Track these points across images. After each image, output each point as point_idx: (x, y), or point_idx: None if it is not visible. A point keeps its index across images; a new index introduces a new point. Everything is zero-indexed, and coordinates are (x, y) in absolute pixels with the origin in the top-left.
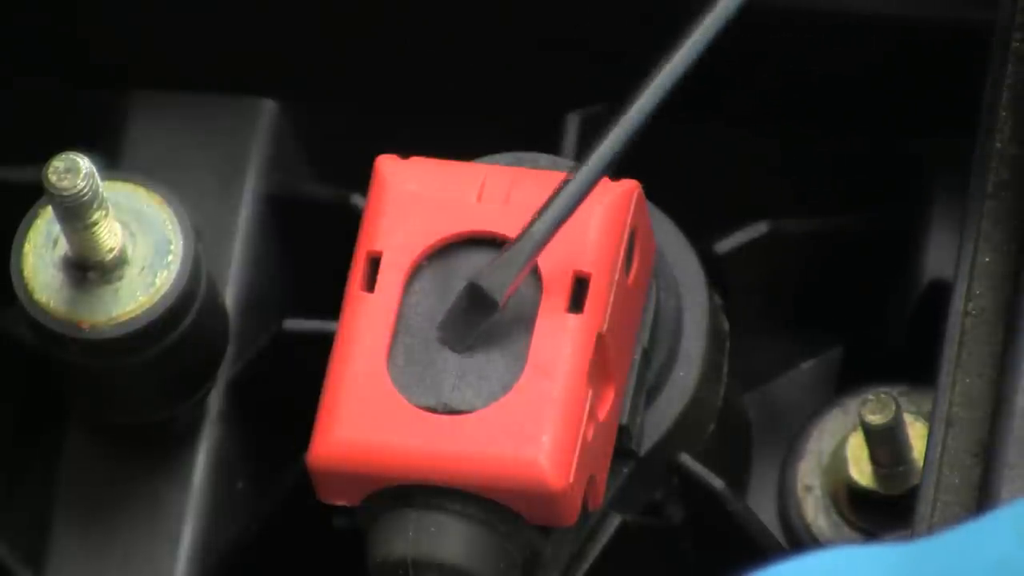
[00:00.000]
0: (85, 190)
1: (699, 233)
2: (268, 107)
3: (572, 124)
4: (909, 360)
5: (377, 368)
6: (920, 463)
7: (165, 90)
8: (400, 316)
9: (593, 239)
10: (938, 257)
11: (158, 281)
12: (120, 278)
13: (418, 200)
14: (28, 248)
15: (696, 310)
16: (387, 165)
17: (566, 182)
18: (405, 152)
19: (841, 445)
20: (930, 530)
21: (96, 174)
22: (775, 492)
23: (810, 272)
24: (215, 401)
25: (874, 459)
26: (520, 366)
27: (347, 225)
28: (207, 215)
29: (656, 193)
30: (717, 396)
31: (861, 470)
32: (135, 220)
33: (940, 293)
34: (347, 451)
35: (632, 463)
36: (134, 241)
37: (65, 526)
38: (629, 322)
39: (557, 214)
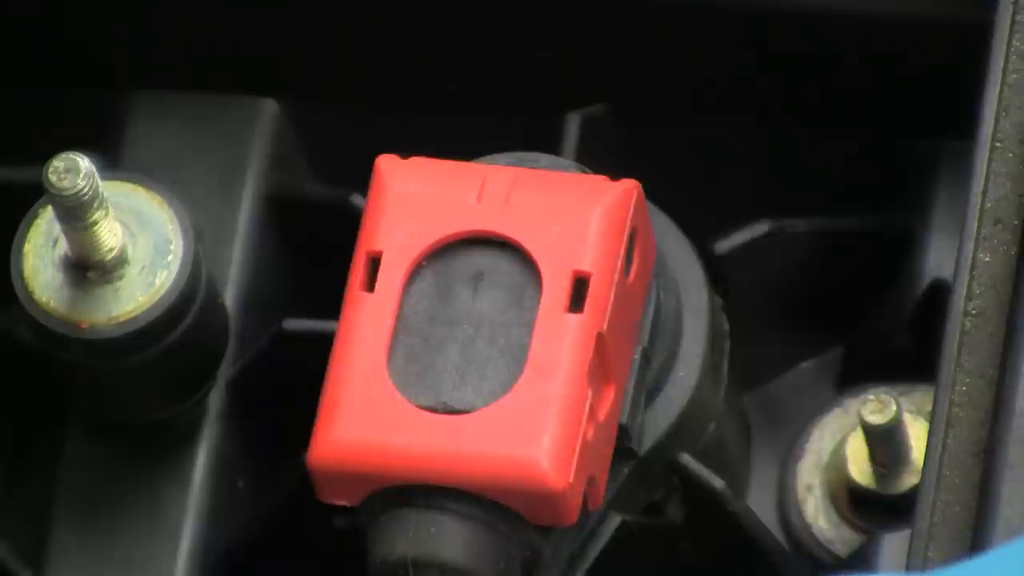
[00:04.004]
0: (85, 190)
1: (699, 233)
2: (268, 107)
3: (572, 124)
4: (909, 360)
5: (377, 368)
6: (920, 463)
7: (165, 90)
8: (400, 316)
9: (593, 239)
10: (938, 257)
11: (158, 281)
12: (120, 278)
13: (418, 200)
14: (28, 248)
15: (696, 310)
16: (387, 165)
17: None
18: (405, 152)
19: (841, 445)
20: (930, 530)
21: (96, 174)
22: (775, 492)
23: (810, 272)
24: (215, 401)
25: (874, 459)
26: (520, 366)
27: (347, 225)
28: (207, 215)
29: (656, 193)
30: (717, 396)
31: (861, 470)
32: (135, 220)
33: (940, 293)
34: (347, 451)
35: (632, 463)
36: (134, 241)
37: (65, 526)
38: (629, 322)
39: None
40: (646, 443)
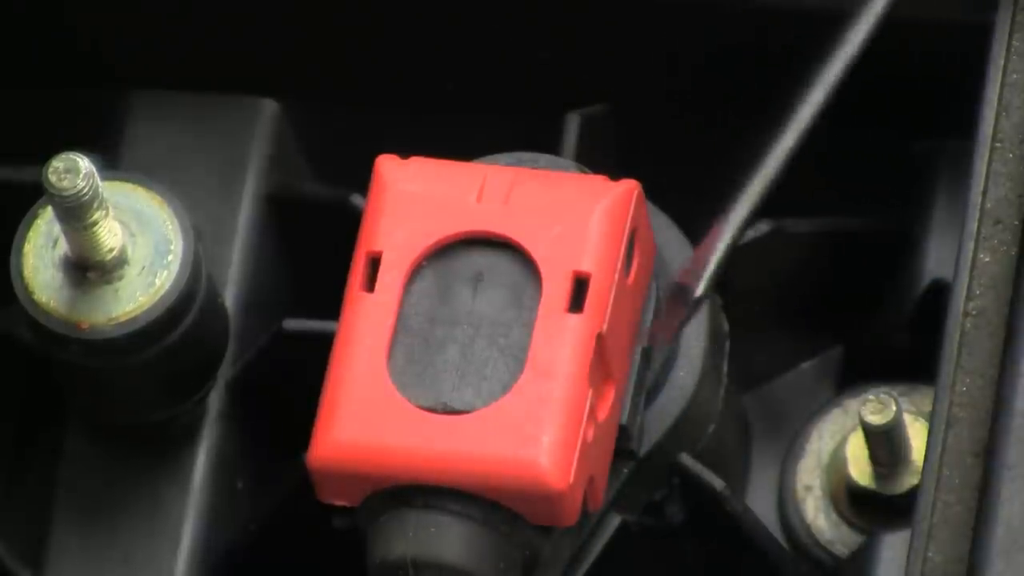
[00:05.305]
0: (85, 190)
1: (699, 233)
2: (268, 107)
3: (572, 124)
4: (909, 360)
5: (377, 368)
6: (920, 463)
7: (165, 90)
8: (400, 316)
9: (593, 239)
10: (938, 257)
11: (158, 281)
12: (120, 278)
13: (418, 200)
14: (28, 248)
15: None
16: (387, 165)
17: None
18: (405, 152)
19: (841, 445)
20: (930, 530)
21: (96, 174)
22: (775, 492)
23: (811, 272)
24: (215, 401)
25: (874, 459)
26: (520, 366)
27: (347, 225)
28: (207, 215)
29: (656, 193)
30: (717, 396)
31: (861, 470)
32: (135, 220)
33: (940, 293)
34: (347, 451)
35: (632, 463)
36: (134, 241)
37: (65, 526)
38: (629, 322)
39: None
40: (646, 443)
